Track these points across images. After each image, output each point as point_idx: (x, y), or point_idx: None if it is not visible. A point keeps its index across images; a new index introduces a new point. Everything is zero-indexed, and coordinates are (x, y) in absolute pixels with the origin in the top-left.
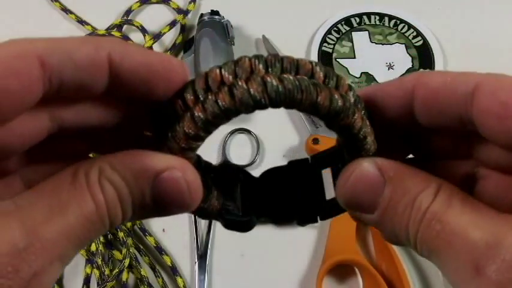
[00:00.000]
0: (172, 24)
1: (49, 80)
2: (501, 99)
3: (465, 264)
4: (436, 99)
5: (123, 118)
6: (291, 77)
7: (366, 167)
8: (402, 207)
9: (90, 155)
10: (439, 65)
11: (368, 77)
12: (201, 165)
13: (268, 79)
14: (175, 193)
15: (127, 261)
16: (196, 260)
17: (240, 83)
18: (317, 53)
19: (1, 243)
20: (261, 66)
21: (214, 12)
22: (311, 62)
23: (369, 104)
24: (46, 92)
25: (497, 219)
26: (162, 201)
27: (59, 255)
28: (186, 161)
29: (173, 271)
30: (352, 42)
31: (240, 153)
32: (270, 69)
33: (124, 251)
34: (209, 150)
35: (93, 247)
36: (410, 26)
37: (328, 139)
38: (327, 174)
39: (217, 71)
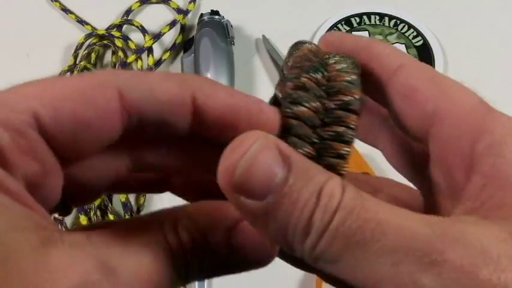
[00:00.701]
0: (172, 24)
1: (128, 113)
2: (410, 82)
3: (414, 259)
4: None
5: (204, 161)
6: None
7: (265, 142)
8: (307, 194)
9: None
10: (439, 65)
11: None
12: None
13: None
14: (256, 243)
15: None
16: None
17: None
18: None
19: (73, 275)
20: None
21: (214, 12)
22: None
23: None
24: (126, 126)
25: (428, 216)
26: (239, 253)
27: None
28: None
29: None
30: None
31: None
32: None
33: None
34: None
35: None
36: (410, 26)
37: None
38: None
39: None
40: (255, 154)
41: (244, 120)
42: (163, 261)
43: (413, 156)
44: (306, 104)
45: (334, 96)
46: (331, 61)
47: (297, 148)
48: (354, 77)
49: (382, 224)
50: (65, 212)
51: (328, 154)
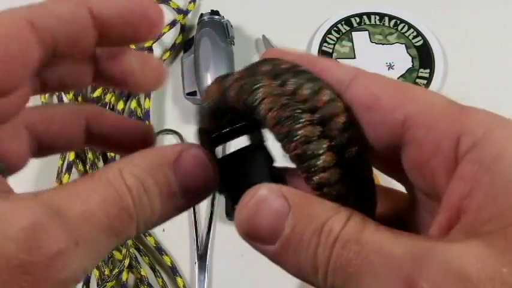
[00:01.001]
0: (172, 24)
1: (43, 40)
2: (371, 91)
3: (393, 283)
4: None
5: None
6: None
7: (267, 192)
8: (309, 233)
9: None
10: (439, 65)
11: None
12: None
13: None
14: (199, 167)
15: (127, 261)
16: (196, 260)
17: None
18: (317, 53)
19: (22, 219)
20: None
21: (214, 12)
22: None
23: None
24: (44, 53)
25: (416, 237)
26: (188, 183)
27: (85, 237)
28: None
29: (173, 271)
30: (352, 42)
31: None
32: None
33: (124, 251)
34: None
35: None
36: (410, 26)
37: None
38: None
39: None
40: (256, 205)
41: (139, 16)
42: (112, 203)
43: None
44: (322, 158)
45: (330, 123)
46: (306, 91)
47: (332, 199)
48: (333, 98)
49: (370, 256)
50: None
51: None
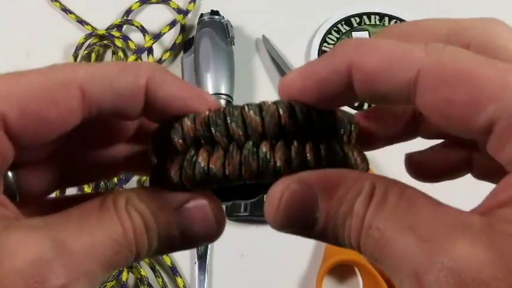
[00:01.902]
0: (172, 24)
1: (88, 109)
2: (444, 96)
3: (406, 274)
4: (375, 84)
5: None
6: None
7: (293, 187)
8: (342, 218)
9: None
10: None
11: None
12: None
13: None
14: (201, 220)
15: None
16: (196, 260)
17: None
18: (317, 53)
19: (29, 253)
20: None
21: (214, 12)
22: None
23: (303, 96)
24: (84, 119)
25: (434, 217)
26: (188, 231)
27: (86, 272)
28: (207, 191)
29: (173, 271)
30: None
31: None
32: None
33: None
34: None
35: None
36: None
37: None
38: None
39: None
40: (285, 199)
41: (190, 108)
42: (116, 239)
43: None
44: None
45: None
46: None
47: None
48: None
49: (387, 246)
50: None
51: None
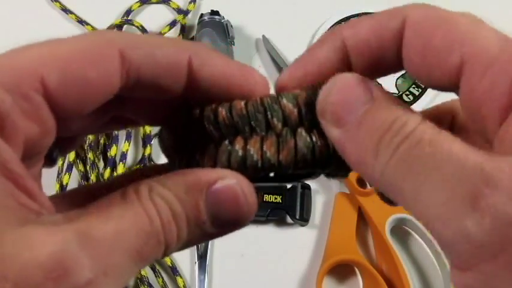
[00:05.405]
0: (172, 24)
1: (127, 74)
2: (424, 41)
3: (458, 194)
4: (368, 48)
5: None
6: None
7: (355, 79)
8: (378, 122)
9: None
10: None
11: None
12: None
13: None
14: (232, 201)
15: None
16: (196, 260)
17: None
18: None
19: (50, 245)
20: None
21: (214, 12)
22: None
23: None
24: (123, 86)
25: (488, 153)
26: (218, 214)
27: (114, 265)
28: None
29: (173, 271)
30: None
31: None
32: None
33: None
34: None
35: None
36: None
37: None
38: None
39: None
40: (342, 85)
41: (237, 87)
42: (143, 228)
43: None
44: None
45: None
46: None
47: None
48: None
49: (441, 161)
50: (50, 164)
51: None
